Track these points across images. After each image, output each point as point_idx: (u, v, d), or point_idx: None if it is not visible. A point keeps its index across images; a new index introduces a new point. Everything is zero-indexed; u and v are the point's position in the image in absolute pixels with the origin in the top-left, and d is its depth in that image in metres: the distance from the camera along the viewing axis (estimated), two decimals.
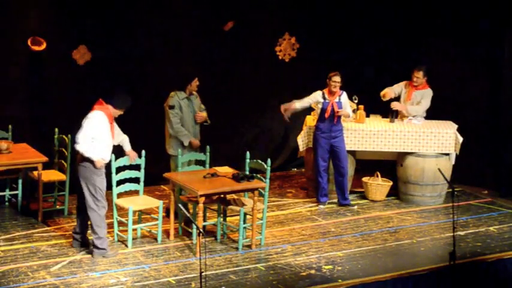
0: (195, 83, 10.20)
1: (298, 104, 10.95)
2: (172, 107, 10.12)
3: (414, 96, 11.54)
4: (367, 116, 11.65)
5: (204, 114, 10.38)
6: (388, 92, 11.55)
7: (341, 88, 10.83)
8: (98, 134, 8.88)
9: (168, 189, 10.35)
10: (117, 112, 9.08)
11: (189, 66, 10.20)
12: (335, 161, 11.01)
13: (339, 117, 10.89)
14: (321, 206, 11.09)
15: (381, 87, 11.77)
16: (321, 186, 11.11)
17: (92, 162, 8.87)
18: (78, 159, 8.95)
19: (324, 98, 10.84)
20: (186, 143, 10.15)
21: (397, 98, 11.68)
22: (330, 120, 10.84)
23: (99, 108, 8.96)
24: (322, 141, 10.91)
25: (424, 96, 11.50)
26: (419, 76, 11.44)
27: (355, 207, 11.06)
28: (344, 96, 10.91)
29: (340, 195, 11.13)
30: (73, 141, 9.03)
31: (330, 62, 12.72)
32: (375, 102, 11.69)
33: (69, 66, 11.03)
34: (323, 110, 10.83)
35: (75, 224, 9.35)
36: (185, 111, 10.18)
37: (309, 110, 11.86)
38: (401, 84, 11.67)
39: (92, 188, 8.92)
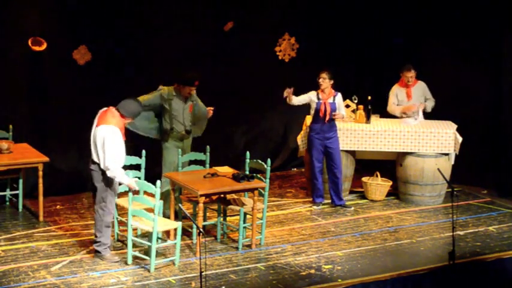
0: (189, 89, 10.03)
1: (296, 99, 10.87)
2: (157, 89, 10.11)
3: (414, 93, 11.60)
4: (368, 116, 11.65)
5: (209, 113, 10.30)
6: (402, 106, 11.62)
7: (337, 89, 10.81)
8: (120, 151, 8.58)
9: None
10: (126, 121, 8.78)
11: (191, 69, 10.19)
12: (329, 162, 10.98)
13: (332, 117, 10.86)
14: (315, 207, 11.09)
15: (381, 87, 11.77)
16: (316, 187, 11.10)
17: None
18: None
19: (318, 98, 10.84)
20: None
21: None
22: (323, 120, 10.84)
23: (111, 122, 8.55)
24: (316, 142, 10.89)
25: (424, 91, 11.62)
26: (412, 75, 11.54)
27: (352, 208, 11.07)
28: (339, 97, 10.89)
29: (335, 196, 11.08)
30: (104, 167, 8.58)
31: (330, 62, 12.75)
32: (374, 102, 11.68)
33: (69, 66, 11.03)
34: (317, 111, 10.82)
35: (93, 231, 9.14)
36: (176, 106, 10.07)
37: (309, 110, 11.87)
38: (394, 90, 11.69)
39: (104, 194, 8.77)
